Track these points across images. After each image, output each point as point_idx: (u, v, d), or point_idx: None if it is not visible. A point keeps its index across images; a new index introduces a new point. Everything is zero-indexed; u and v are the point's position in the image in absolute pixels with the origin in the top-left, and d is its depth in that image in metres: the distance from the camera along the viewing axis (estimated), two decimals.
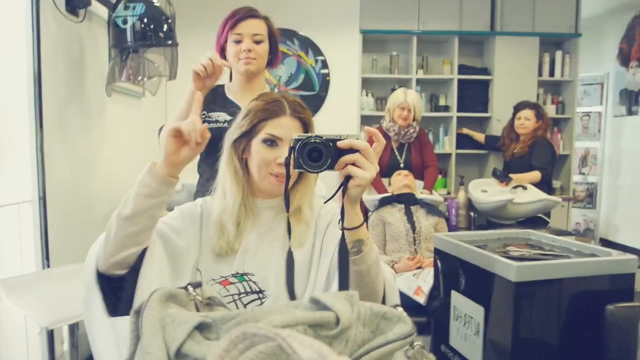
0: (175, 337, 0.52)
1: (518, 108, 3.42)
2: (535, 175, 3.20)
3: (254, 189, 1.07)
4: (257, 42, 1.62)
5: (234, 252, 1.02)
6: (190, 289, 0.64)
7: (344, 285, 0.83)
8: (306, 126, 1.05)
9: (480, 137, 3.95)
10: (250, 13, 1.64)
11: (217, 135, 1.52)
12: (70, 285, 1.59)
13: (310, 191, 1.07)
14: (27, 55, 2.09)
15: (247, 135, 1.04)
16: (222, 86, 1.75)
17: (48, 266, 2.16)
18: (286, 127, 1.01)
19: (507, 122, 3.58)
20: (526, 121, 3.32)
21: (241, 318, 0.51)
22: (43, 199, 2.13)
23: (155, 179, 0.88)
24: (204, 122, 1.58)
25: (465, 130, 3.98)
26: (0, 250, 1.93)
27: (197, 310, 0.64)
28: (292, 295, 0.92)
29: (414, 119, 2.99)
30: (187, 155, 0.90)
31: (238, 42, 1.61)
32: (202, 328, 0.54)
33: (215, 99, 1.69)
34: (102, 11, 2.69)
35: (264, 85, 1.76)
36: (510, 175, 3.18)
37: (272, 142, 1.01)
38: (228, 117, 1.62)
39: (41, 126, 2.11)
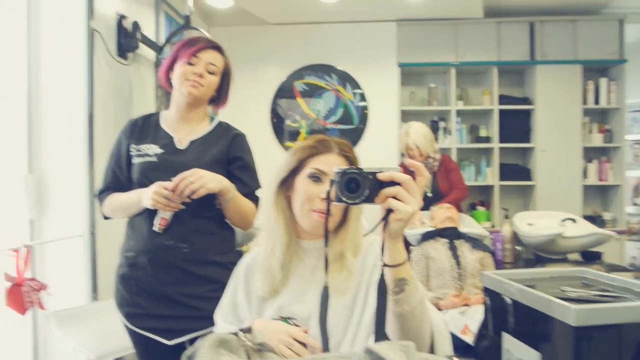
0: None
1: None
2: None
3: (299, 229, 1.06)
4: (210, 73, 1.52)
5: (278, 295, 1.02)
6: (241, 334, 0.63)
7: (380, 328, 0.79)
8: (353, 165, 1.05)
9: None
10: (212, 44, 1.55)
11: (145, 170, 1.48)
12: (117, 319, 1.62)
13: (354, 237, 1.04)
14: (81, 97, 2.20)
15: (293, 173, 1.05)
16: (157, 114, 1.62)
17: (96, 299, 2.21)
18: (332, 164, 1.00)
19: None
20: None
21: None
22: (93, 234, 2.20)
23: None
24: (133, 155, 1.51)
25: None
26: (52, 283, 1.99)
27: (248, 356, 0.63)
28: (324, 335, 0.87)
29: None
30: None
31: (191, 64, 1.50)
32: None
33: (148, 128, 1.56)
34: (150, 53, 2.83)
35: (205, 119, 1.60)
36: None
37: (317, 177, 1.01)
38: (159, 150, 1.50)
39: (92, 164, 2.21)
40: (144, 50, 2.74)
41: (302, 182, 1.03)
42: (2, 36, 2.07)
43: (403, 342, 0.53)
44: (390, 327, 0.84)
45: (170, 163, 1.48)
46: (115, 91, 2.51)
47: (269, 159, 1.95)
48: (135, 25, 2.56)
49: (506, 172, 3.97)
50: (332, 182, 0.79)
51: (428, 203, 2.82)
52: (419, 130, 3.01)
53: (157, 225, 1.44)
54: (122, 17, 2.51)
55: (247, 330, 0.64)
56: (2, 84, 2.09)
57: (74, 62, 2.21)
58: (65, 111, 2.20)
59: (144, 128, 1.56)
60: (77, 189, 2.18)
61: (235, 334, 0.63)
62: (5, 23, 2.09)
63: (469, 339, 1.97)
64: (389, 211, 0.77)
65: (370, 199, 0.78)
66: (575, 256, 3.07)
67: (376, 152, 3.93)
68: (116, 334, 1.73)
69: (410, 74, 4.09)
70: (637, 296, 1.28)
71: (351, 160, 1.05)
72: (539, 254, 3.10)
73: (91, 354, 1.67)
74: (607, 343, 1.11)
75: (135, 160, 1.51)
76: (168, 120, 1.58)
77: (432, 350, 0.88)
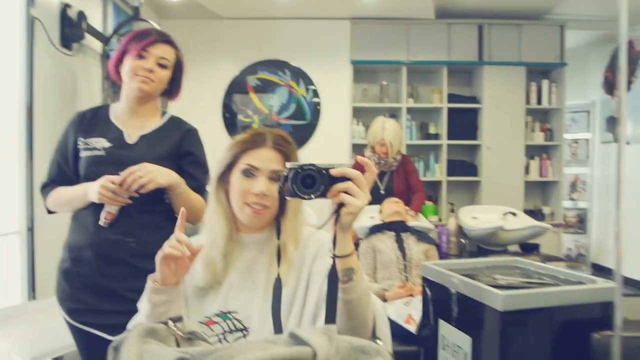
0: None
1: None
2: None
3: (238, 223, 1.08)
4: (161, 66, 1.49)
5: (220, 286, 1.03)
6: (171, 323, 0.64)
7: (331, 314, 0.82)
8: (288, 159, 1.05)
9: None
10: (163, 37, 1.51)
11: (93, 164, 1.47)
12: (56, 318, 1.57)
13: (294, 229, 1.06)
14: (19, 89, 2.11)
15: (229, 167, 1.06)
16: (107, 107, 1.57)
17: (34, 298, 2.13)
18: (264, 159, 1.03)
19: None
20: None
21: (219, 354, 0.51)
22: (31, 230, 2.12)
23: (163, 294, 0.90)
24: (80, 149, 1.49)
25: None
26: None
27: (178, 345, 0.64)
28: (277, 325, 0.90)
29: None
30: (184, 273, 0.93)
31: (141, 57, 1.46)
32: None
33: (97, 121, 1.53)
34: (96, 44, 2.74)
35: (156, 113, 1.57)
36: None
37: (249, 172, 1.03)
38: (107, 144, 1.47)
39: (31, 158, 2.12)
40: (90, 41, 2.65)
41: (235, 177, 1.04)
42: None
43: (326, 326, 0.55)
44: (337, 314, 0.87)
45: (119, 158, 1.45)
46: (57, 83, 2.43)
47: (220, 153, 1.94)
48: (81, 14, 2.48)
49: (453, 168, 4.11)
50: (284, 177, 0.81)
51: (380, 200, 2.88)
52: (395, 129, 3.05)
53: (103, 219, 1.41)
54: (66, 6, 2.42)
55: (177, 320, 0.65)
56: None
57: (12, 51, 2.12)
58: (1, 103, 2.10)
59: (93, 121, 1.52)
60: (14, 184, 2.10)
61: (166, 323, 0.64)
62: None
63: (413, 328, 2.03)
64: (341, 205, 0.81)
65: (323, 194, 0.81)
66: (515, 248, 3.23)
67: (328, 147, 3.98)
68: (54, 333, 1.68)
69: (363, 71, 4.16)
70: (562, 282, 1.37)
71: (286, 154, 1.05)
72: (481, 247, 3.23)
73: (26, 354, 1.61)
74: (531, 326, 1.18)
75: (83, 154, 1.47)
76: (118, 114, 1.54)
77: (374, 332, 0.92)
